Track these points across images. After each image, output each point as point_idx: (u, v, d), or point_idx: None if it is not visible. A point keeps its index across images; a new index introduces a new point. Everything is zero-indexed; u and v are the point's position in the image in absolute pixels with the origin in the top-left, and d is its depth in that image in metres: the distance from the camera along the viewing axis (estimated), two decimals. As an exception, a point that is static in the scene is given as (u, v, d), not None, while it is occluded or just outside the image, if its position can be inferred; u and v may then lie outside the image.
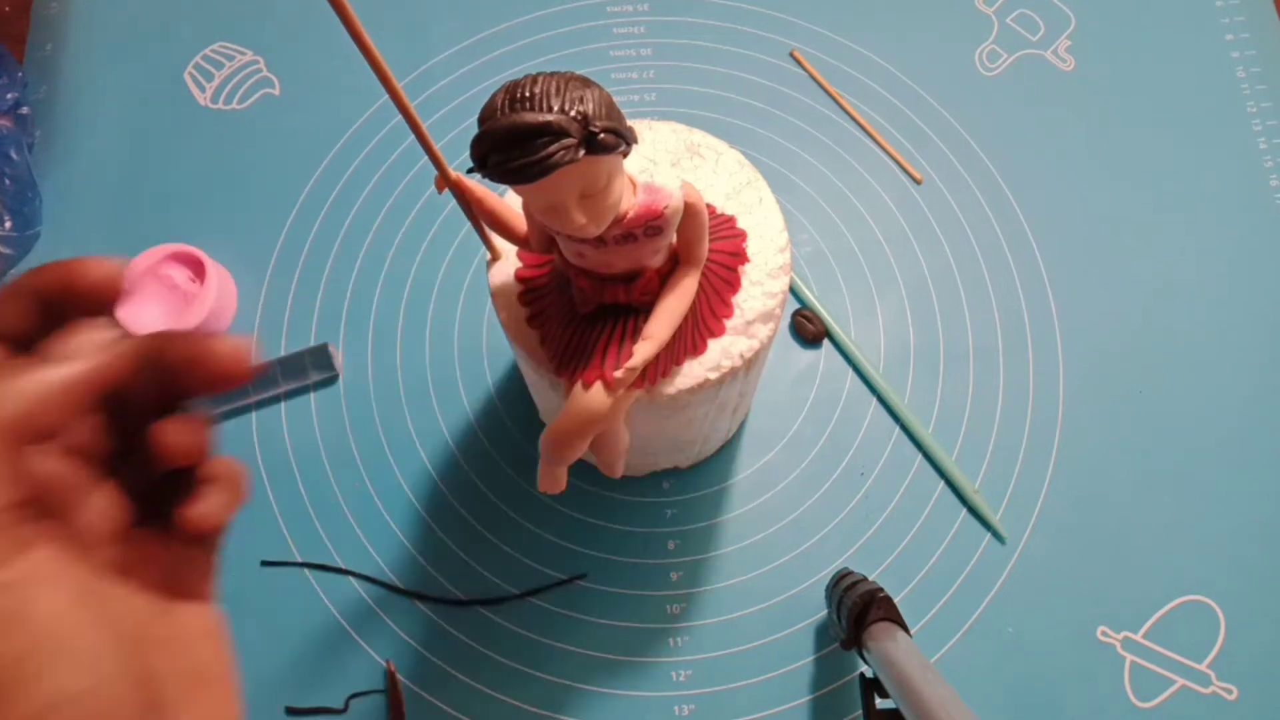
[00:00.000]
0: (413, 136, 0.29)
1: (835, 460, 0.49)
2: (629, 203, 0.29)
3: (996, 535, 0.48)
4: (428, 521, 0.49)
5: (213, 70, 0.59)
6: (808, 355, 0.52)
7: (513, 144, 0.24)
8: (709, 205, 0.34)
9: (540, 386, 0.39)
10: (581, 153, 0.24)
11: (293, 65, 0.59)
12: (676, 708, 0.45)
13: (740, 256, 0.35)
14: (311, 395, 0.52)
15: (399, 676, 0.46)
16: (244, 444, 0.51)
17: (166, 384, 0.19)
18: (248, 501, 0.21)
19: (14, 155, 0.53)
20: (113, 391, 0.19)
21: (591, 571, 0.48)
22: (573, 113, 0.24)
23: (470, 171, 0.26)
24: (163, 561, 0.21)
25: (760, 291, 0.35)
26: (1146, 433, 0.49)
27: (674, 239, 0.32)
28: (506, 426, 0.50)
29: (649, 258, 0.31)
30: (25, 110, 0.56)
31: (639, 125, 0.38)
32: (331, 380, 0.52)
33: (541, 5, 0.60)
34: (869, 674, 0.40)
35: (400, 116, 0.29)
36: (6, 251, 0.53)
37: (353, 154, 0.57)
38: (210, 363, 0.19)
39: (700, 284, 0.33)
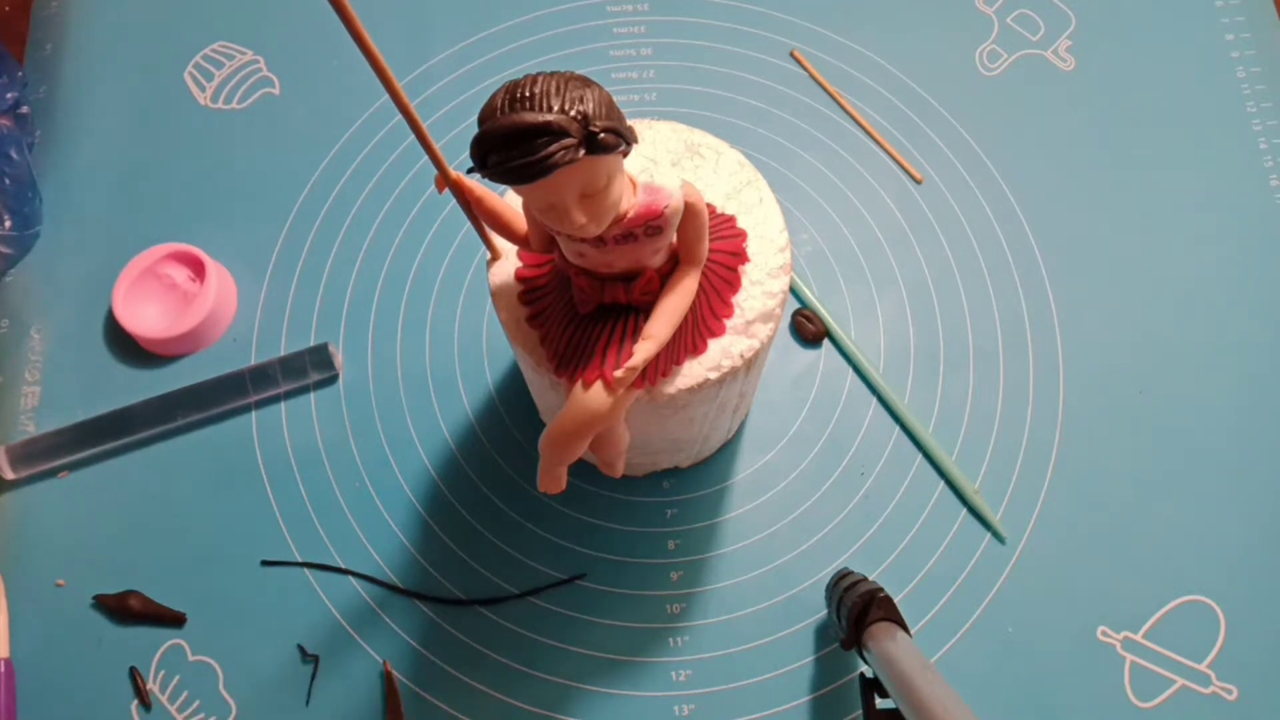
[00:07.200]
0: (413, 136, 0.29)
1: (835, 460, 0.49)
2: (629, 202, 0.29)
3: (996, 535, 0.48)
4: (428, 521, 0.49)
5: (213, 70, 0.59)
6: (808, 355, 0.52)
7: (513, 144, 0.24)
8: (709, 205, 0.34)
9: (540, 386, 0.39)
10: (581, 153, 0.24)
11: (293, 65, 0.59)
12: (676, 708, 0.45)
13: (740, 256, 0.35)
14: (311, 395, 0.52)
15: (396, 675, 0.46)
16: (244, 444, 0.51)
17: None
18: None
19: (14, 155, 0.53)
20: None
21: (591, 571, 0.48)
22: (573, 112, 0.24)
23: (470, 171, 0.26)
24: None
25: (760, 291, 0.35)
26: (1146, 433, 0.49)
27: (674, 239, 0.32)
28: (506, 426, 0.50)
29: (649, 257, 0.31)
30: (25, 110, 0.56)
31: (639, 125, 0.38)
32: (331, 380, 0.52)
33: (541, 5, 0.60)
34: (869, 674, 0.40)
35: (400, 116, 0.29)
36: (6, 251, 0.53)
37: (353, 154, 0.57)
38: None
39: (700, 284, 0.33)
